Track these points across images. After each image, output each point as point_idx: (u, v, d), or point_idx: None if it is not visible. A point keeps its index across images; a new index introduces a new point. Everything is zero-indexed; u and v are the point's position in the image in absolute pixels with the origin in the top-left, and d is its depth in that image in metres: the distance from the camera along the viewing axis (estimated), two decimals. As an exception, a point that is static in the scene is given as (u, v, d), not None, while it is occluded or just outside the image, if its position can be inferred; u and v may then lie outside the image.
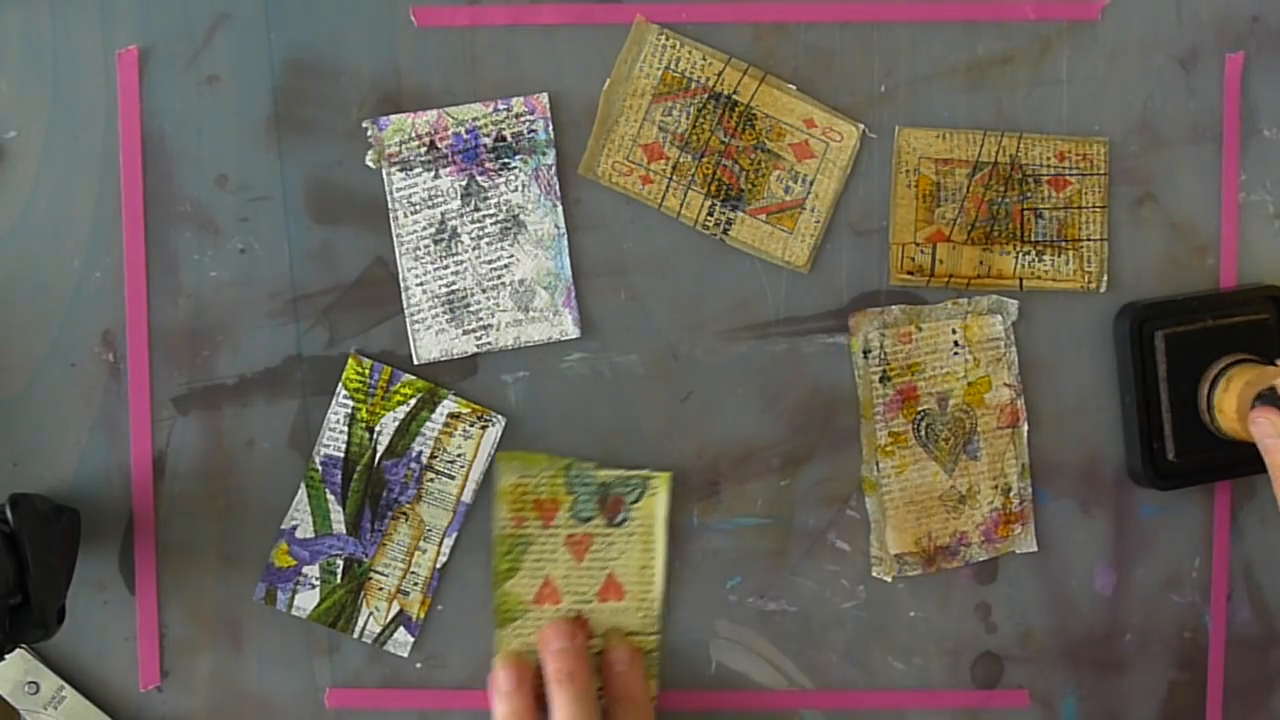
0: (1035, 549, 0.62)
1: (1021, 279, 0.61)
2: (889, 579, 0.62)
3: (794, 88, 0.60)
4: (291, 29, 0.60)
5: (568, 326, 0.60)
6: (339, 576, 0.61)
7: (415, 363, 0.60)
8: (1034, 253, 0.61)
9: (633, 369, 0.61)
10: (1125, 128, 0.61)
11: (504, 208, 0.60)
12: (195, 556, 0.60)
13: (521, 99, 0.59)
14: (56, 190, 0.59)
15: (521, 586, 0.60)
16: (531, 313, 0.60)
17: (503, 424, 0.60)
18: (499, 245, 0.60)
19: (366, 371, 0.60)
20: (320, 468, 0.60)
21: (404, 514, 0.60)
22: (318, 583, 0.60)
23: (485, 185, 0.60)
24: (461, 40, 0.60)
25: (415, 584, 0.61)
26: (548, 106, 0.60)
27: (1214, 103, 0.61)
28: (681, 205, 0.60)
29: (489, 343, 0.60)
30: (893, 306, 0.61)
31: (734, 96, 0.60)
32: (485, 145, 0.60)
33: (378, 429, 0.60)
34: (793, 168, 0.60)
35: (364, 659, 0.61)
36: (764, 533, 0.62)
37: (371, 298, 0.60)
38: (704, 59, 0.60)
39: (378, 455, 0.60)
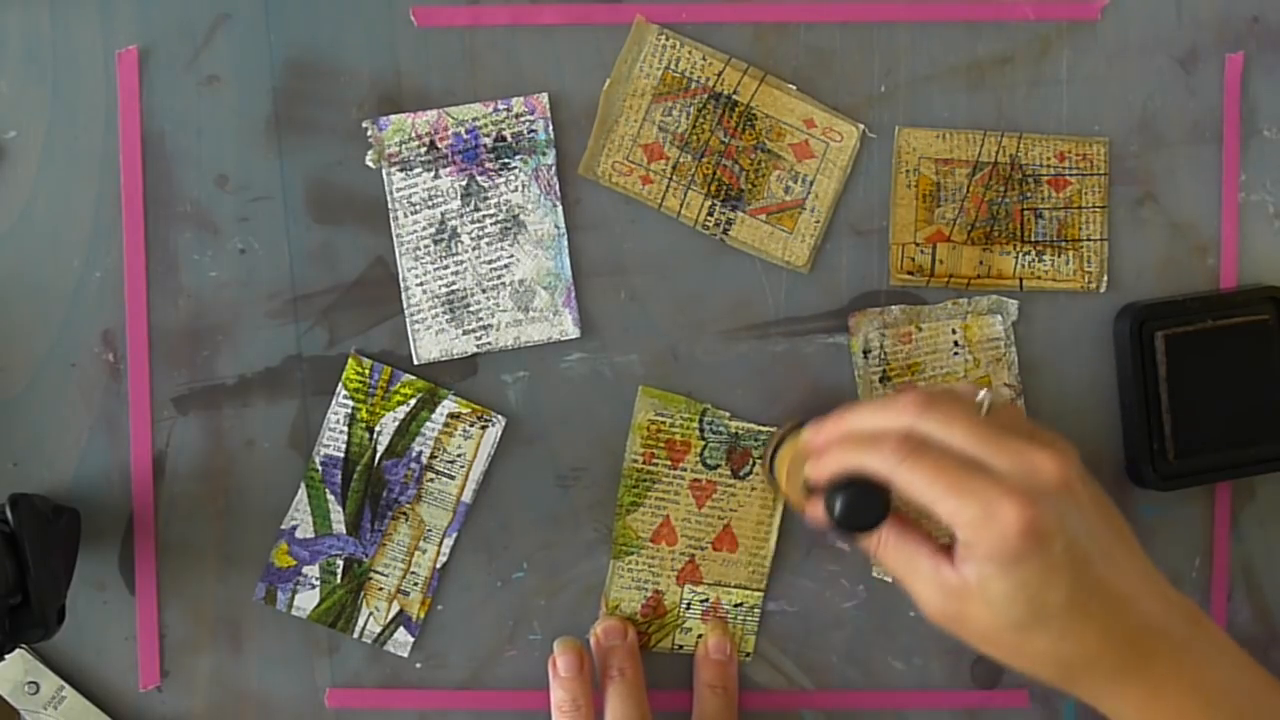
0: (1035, 549, 0.62)
1: (1021, 279, 0.61)
2: (889, 579, 0.62)
3: (794, 88, 0.60)
4: (291, 29, 0.60)
5: (568, 326, 0.60)
6: (339, 576, 0.61)
7: (415, 363, 0.60)
8: (1034, 253, 0.61)
9: (633, 369, 0.61)
10: (1125, 128, 0.61)
11: (504, 208, 0.60)
12: (195, 556, 0.60)
13: (521, 99, 0.59)
14: (56, 190, 0.59)
15: (641, 522, 0.61)
16: (531, 313, 0.60)
17: (503, 424, 0.60)
18: (499, 245, 0.60)
19: (366, 371, 0.60)
20: (320, 468, 0.60)
21: (404, 514, 0.60)
22: (318, 583, 0.60)
23: (485, 185, 0.60)
24: (461, 40, 0.60)
25: (415, 584, 0.61)
26: (548, 106, 0.60)
27: (1214, 103, 0.61)
28: (681, 205, 0.60)
29: (489, 343, 0.60)
30: (893, 306, 0.61)
31: (734, 96, 0.60)
32: (485, 145, 0.60)
33: (378, 429, 0.60)
34: (793, 168, 0.60)
35: (364, 659, 0.61)
36: (764, 533, 0.62)
37: (371, 298, 0.60)
38: (704, 59, 0.60)
39: (378, 455, 0.60)
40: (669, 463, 0.61)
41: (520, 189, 0.60)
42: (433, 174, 0.59)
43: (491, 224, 0.60)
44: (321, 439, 0.60)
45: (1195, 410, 0.60)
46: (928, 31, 0.61)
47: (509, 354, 0.61)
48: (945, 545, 0.50)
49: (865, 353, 0.61)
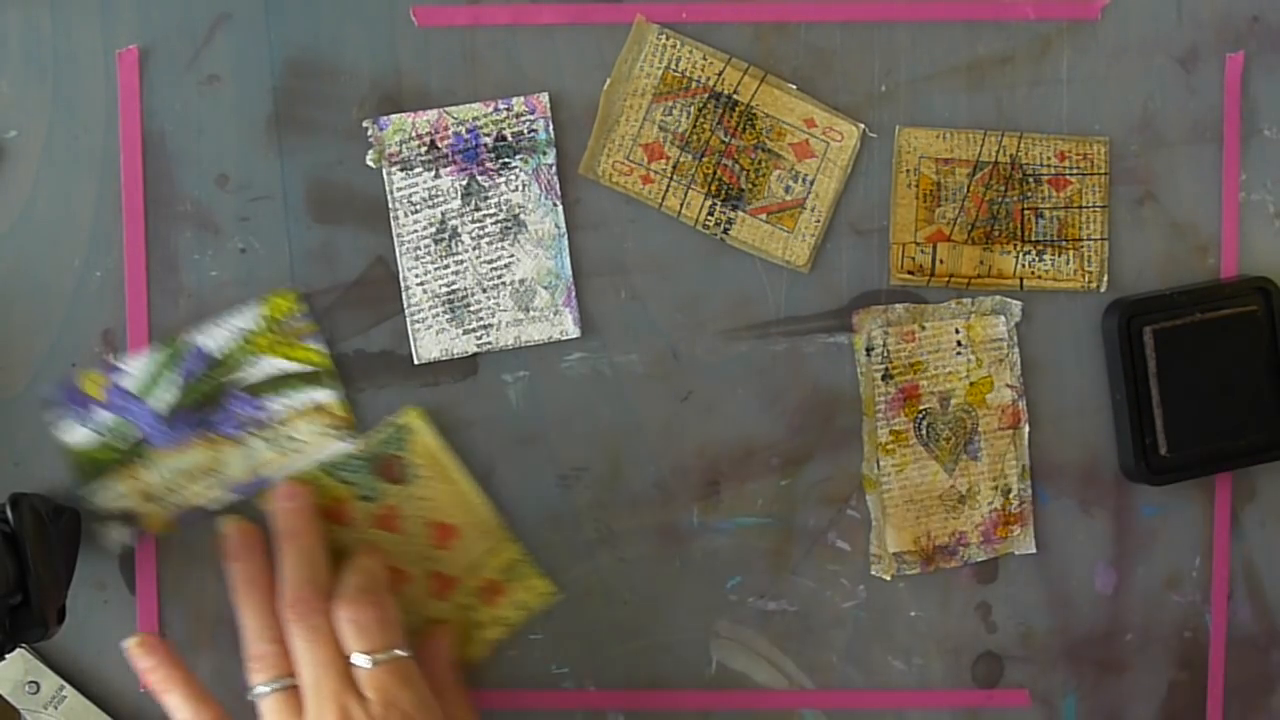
0: (1034, 551, 0.62)
1: (1022, 279, 0.61)
2: (888, 578, 0.62)
3: (794, 87, 0.60)
4: (291, 29, 0.60)
5: (568, 326, 0.60)
6: (123, 444, 0.59)
7: (416, 362, 0.60)
8: (1034, 252, 0.61)
9: (633, 369, 0.61)
10: (1125, 127, 0.61)
11: (504, 207, 0.60)
12: (195, 556, 0.60)
13: (522, 99, 0.59)
14: (56, 190, 0.59)
15: None
16: (532, 312, 0.60)
17: (350, 445, 0.59)
18: (499, 245, 0.60)
19: (293, 307, 0.59)
20: (187, 346, 0.59)
21: (213, 441, 0.59)
22: (100, 433, 0.59)
23: (485, 185, 0.60)
24: (461, 40, 0.60)
25: (173, 502, 0.59)
26: (548, 106, 0.60)
27: (1214, 102, 0.61)
28: (682, 205, 0.60)
29: (489, 342, 0.60)
30: (896, 305, 0.61)
31: (734, 96, 0.60)
32: (485, 145, 0.60)
33: (258, 360, 0.59)
34: (793, 167, 0.60)
35: (364, 659, 0.61)
36: (764, 533, 0.62)
37: (371, 297, 0.60)
38: (704, 59, 0.60)
39: (238, 382, 0.59)
40: (340, 527, 0.60)
41: (521, 189, 0.60)
42: (433, 173, 0.59)
43: (492, 224, 0.60)
44: (211, 326, 0.59)
45: (1186, 403, 0.60)
46: (928, 31, 0.61)
47: (509, 353, 0.61)
48: None
49: (868, 350, 0.61)
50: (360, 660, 0.54)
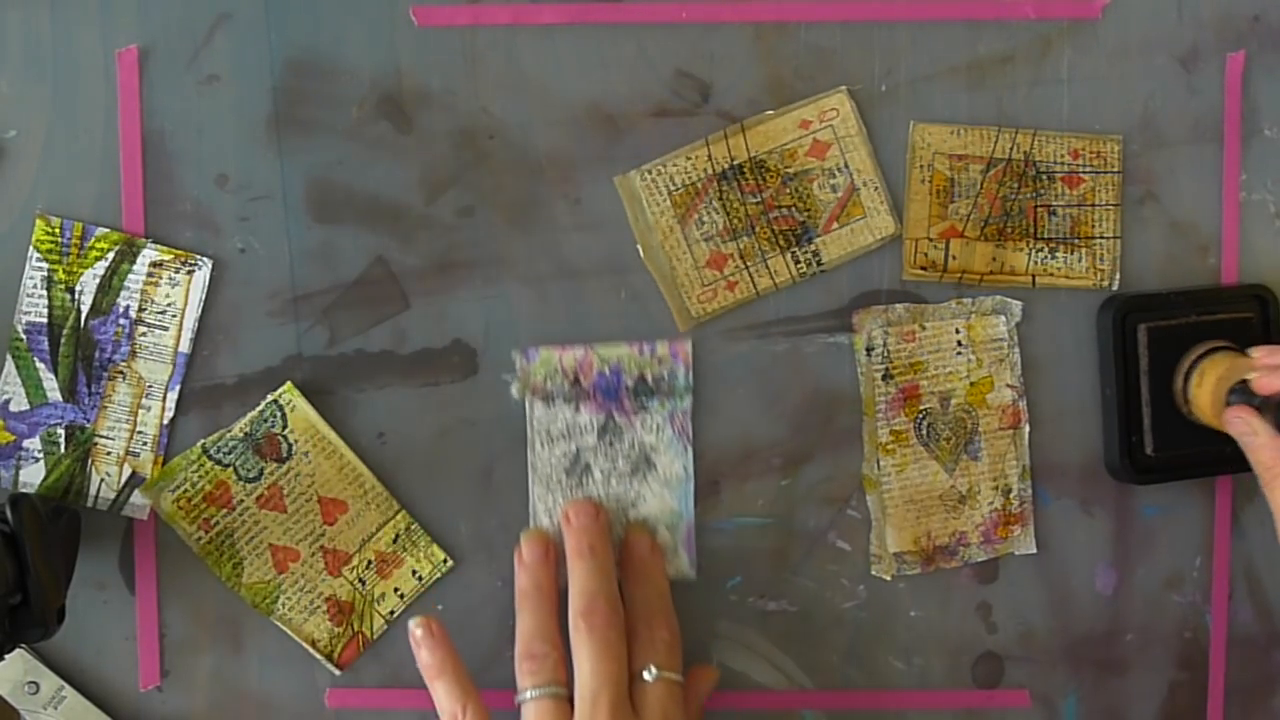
0: (1034, 551, 0.62)
1: (1034, 276, 0.61)
2: (887, 578, 0.62)
3: (770, 111, 0.60)
4: (291, 29, 0.59)
5: (683, 566, 0.61)
6: (62, 446, 0.59)
7: None
8: (1047, 250, 0.61)
9: (633, 369, 0.61)
10: (1126, 127, 0.61)
11: (637, 447, 0.60)
12: (195, 556, 0.60)
13: (666, 343, 0.60)
14: (56, 190, 0.59)
15: (257, 572, 0.60)
16: None
17: (209, 266, 0.59)
18: (629, 483, 0.60)
19: (56, 230, 0.58)
20: (25, 336, 0.58)
21: (121, 373, 0.59)
22: (41, 455, 0.59)
23: (622, 424, 0.60)
24: (461, 40, 0.60)
25: (144, 444, 0.59)
26: (689, 353, 0.60)
27: (1215, 102, 0.61)
28: (771, 277, 0.60)
29: None
30: (897, 305, 0.61)
31: (734, 161, 0.60)
32: (627, 385, 0.60)
33: (78, 288, 0.58)
34: (822, 168, 0.60)
35: (364, 659, 0.61)
36: (764, 533, 0.62)
37: (371, 297, 0.60)
38: (687, 159, 0.59)
39: (83, 315, 0.59)
40: (224, 511, 0.60)
41: (655, 430, 0.60)
42: (573, 408, 0.60)
43: (624, 461, 0.60)
44: (21, 306, 0.58)
45: (1175, 405, 0.60)
46: (928, 31, 0.61)
47: (509, 352, 0.60)
48: None
49: (868, 350, 0.61)
50: (650, 674, 0.56)
